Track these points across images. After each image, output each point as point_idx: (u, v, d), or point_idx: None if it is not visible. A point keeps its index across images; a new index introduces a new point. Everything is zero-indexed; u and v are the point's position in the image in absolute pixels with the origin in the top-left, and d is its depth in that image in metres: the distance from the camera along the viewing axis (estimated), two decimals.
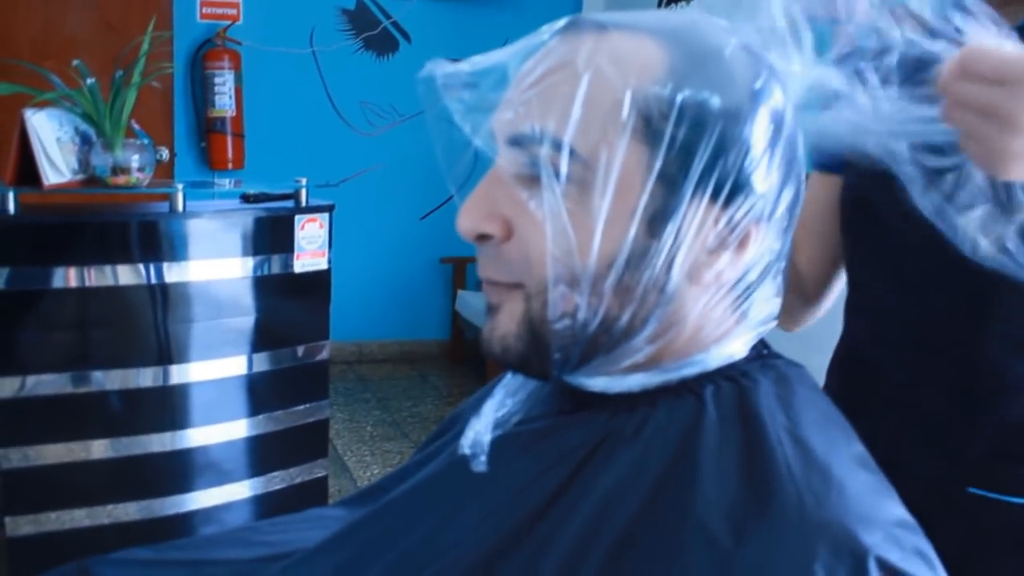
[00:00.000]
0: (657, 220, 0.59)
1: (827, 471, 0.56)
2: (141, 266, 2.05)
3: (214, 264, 2.15)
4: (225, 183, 2.64)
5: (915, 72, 0.62)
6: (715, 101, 0.58)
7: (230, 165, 4.06)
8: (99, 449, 2.07)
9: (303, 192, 2.31)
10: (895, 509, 0.57)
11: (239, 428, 2.26)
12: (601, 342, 0.62)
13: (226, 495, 2.26)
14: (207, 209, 2.20)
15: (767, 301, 0.66)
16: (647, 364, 0.64)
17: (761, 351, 0.67)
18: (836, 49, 0.66)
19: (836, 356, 1.04)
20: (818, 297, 1.05)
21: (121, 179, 2.05)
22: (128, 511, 2.12)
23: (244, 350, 2.24)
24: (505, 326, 0.63)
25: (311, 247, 2.29)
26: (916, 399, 0.91)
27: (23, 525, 2.02)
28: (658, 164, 0.58)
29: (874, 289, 0.96)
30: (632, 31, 0.60)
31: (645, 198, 0.58)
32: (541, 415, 0.70)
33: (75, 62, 1.99)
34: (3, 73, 2.31)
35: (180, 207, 2.10)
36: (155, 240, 2.07)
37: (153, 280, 2.07)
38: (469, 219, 0.62)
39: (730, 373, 0.63)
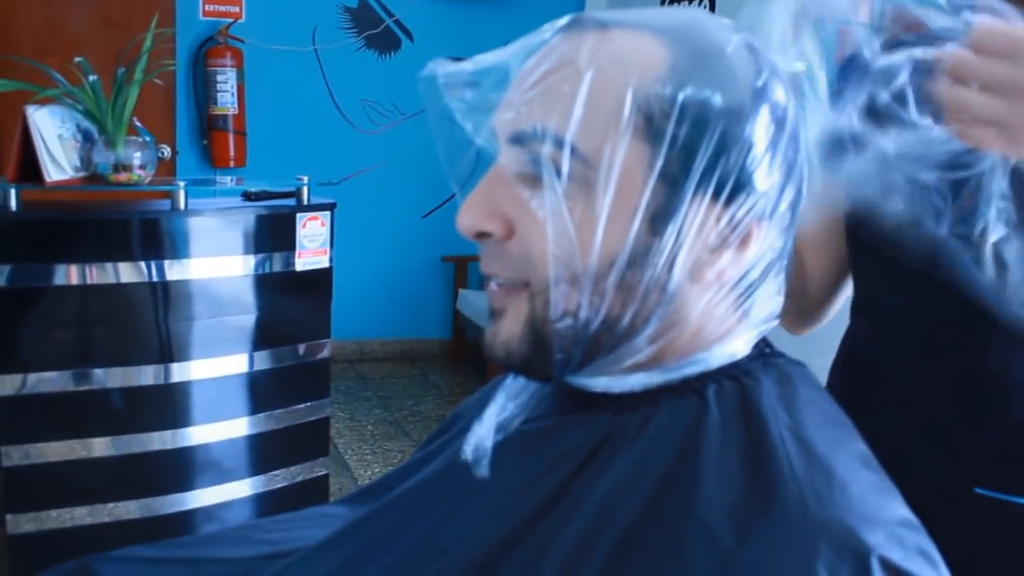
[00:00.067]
0: (659, 219, 0.59)
1: (830, 470, 0.56)
2: (143, 264, 2.05)
3: (215, 262, 2.15)
4: (227, 181, 2.64)
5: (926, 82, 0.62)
6: (717, 99, 0.58)
7: (232, 163, 4.06)
8: (100, 447, 2.08)
9: (305, 190, 2.31)
10: (898, 508, 0.57)
11: (240, 426, 2.27)
12: (603, 342, 0.62)
13: (227, 493, 2.26)
14: (209, 207, 2.20)
15: (769, 299, 0.66)
16: (649, 363, 0.63)
17: (763, 350, 0.67)
18: (840, 52, 0.67)
19: (839, 355, 1.04)
20: (827, 301, 1.05)
21: (123, 176, 2.05)
22: (129, 509, 2.13)
23: (245, 348, 2.24)
24: (509, 330, 0.63)
25: (312, 245, 2.29)
26: (920, 399, 0.91)
27: (24, 523, 2.02)
28: (660, 163, 0.58)
29: (879, 289, 0.95)
30: (634, 29, 0.60)
31: (647, 197, 0.58)
32: (543, 415, 0.70)
33: (77, 59, 1.99)
34: (5, 70, 2.31)
35: (182, 205, 2.10)
36: (157, 238, 2.07)
37: (154, 278, 2.07)
38: (469, 217, 0.62)
39: (732, 372, 0.63)
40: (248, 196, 2.29)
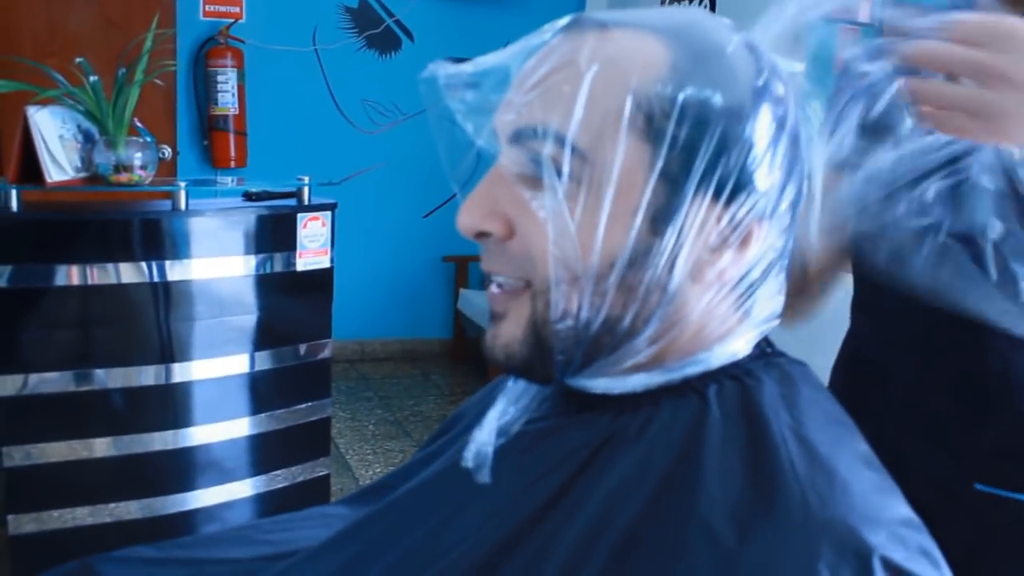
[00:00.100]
0: (659, 219, 0.59)
1: (831, 470, 0.56)
2: (143, 264, 2.05)
3: (216, 262, 2.15)
4: (227, 181, 2.64)
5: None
6: (717, 99, 0.58)
7: (232, 163, 4.06)
8: (101, 447, 2.08)
9: (305, 190, 2.31)
10: (900, 508, 0.57)
11: (241, 426, 2.27)
12: (604, 342, 0.61)
13: (228, 493, 2.26)
14: (209, 207, 2.20)
15: (770, 299, 0.66)
16: (649, 364, 0.63)
17: (765, 349, 0.67)
18: (841, 55, 0.68)
19: (841, 355, 1.04)
20: (823, 294, 1.05)
21: (124, 177, 2.05)
22: (130, 509, 2.13)
23: (246, 348, 2.24)
24: (509, 332, 0.63)
25: (313, 245, 2.29)
26: (922, 398, 0.91)
27: (26, 523, 2.02)
28: (660, 162, 0.58)
29: (879, 288, 0.95)
30: (634, 29, 0.60)
31: (647, 196, 0.58)
32: (543, 417, 0.70)
33: (78, 59, 1.99)
34: (6, 70, 2.31)
35: (183, 205, 2.10)
36: (157, 238, 2.07)
37: (155, 278, 2.07)
38: (469, 217, 0.62)
39: (734, 372, 0.63)
40: (249, 196, 2.29)
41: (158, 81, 2.21)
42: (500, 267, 0.63)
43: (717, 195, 0.59)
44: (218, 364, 2.20)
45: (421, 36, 4.45)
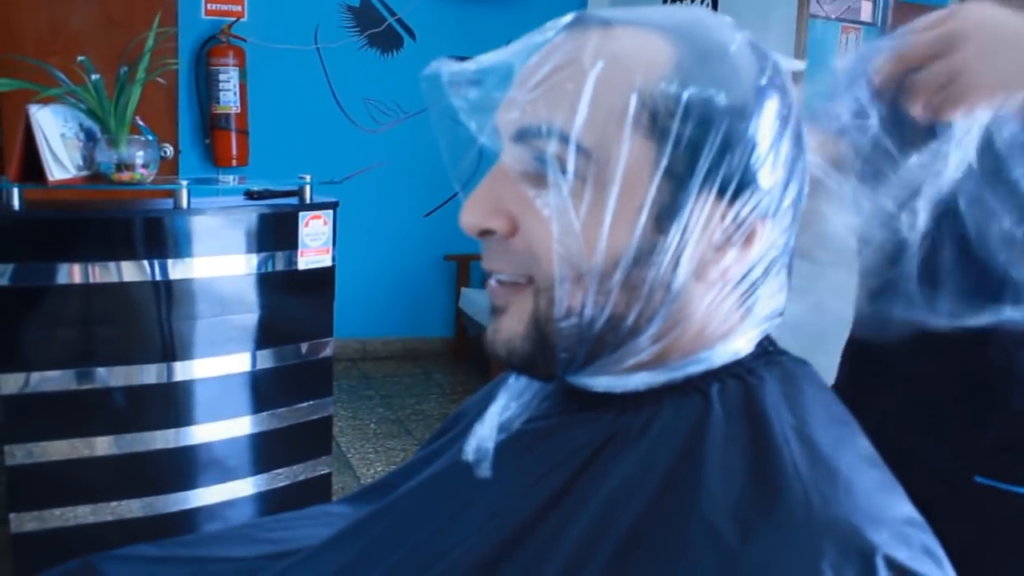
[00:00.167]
0: (664, 217, 0.58)
1: (834, 469, 0.56)
2: (145, 263, 2.05)
3: (218, 261, 2.15)
4: (229, 180, 2.64)
5: None
6: (721, 98, 0.58)
7: (234, 162, 4.06)
8: (103, 446, 2.08)
9: (307, 189, 2.31)
10: (903, 507, 0.57)
11: (243, 425, 2.27)
12: (607, 340, 0.61)
13: (230, 492, 2.26)
14: (211, 206, 2.20)
15: (772, 296, 0.66)
16: (652, 363, 0.63)
17: (767, 348, 0.67)
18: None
19: (846, 350, 1.05)
20: None
21: (125, 175, 2.05)
22: (132, 508, 2.13)
23: (248, 347, 2.24)
24: (511, 328, 0.63)
25: (315, 244, 2.29)
26: (925, 392, 0.92)
27: (27, 522, 2.02)
28: (665, 161, 0.58)
29: None
30: (638, 27, 0.60)
31: (652, 194, 0.58)
32: (545, 415, 0.70)
33: (80, 58, 1.99)
34: (8, 69, 2.31)
35: (184, 204, 2.10)
36: (159, 237, 2.07)
37: (157, 277, 2.07)
38: (473, 215, 0.62)
39: (736, 371, 0.63)
40: (251, 195, 2.29)
41: (160, 80, 2.21)
42: (502, 266, 0.63)
43: (721, 193, 0.59)
44: (220, 363, 2.20)
45: (423, 35, 4.44)
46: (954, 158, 0.74)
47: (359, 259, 4.32)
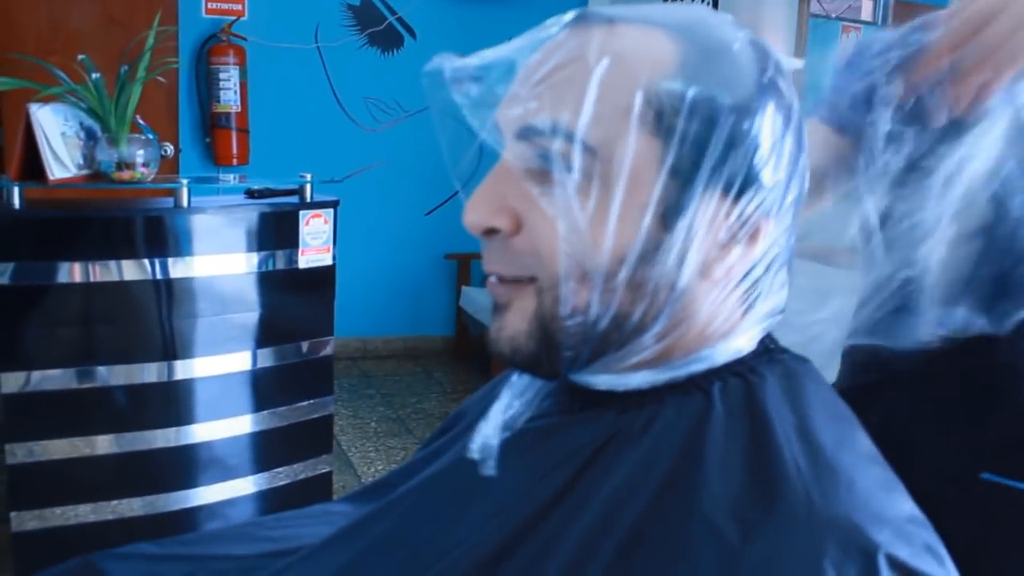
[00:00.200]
0: (669, 214, 0.58)
1: (835, 467, 0.56)
2: (146, 261, 2.05)
3: (219, 260, 2.15)
4: (230, 178, 2.63)
5: None
6: (725, 96, 0.58)
7: (235, 161, 4.06)
8: (104, 445, 2.08)
9: (308, 188, 2.31)
10: (904, 505, 0.57)
11: (243, 424, 2.27)
12: (612, 339, 0.61)
13: (230, 491, 2.26)
14: (212, 205, 2.20)
15: (773, 295, 0.66)
16: (654, 361, 0.63)
17: (768, 346, 0.67)
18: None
19: (848, 346, 1.05)
20: None
21: (126, 174, 2.04)
22: (133, 506, 2.13)
23: (248, 346, 2.24)
24: (515, 325, 0.63)
25: (316, 243, 2.29)
26: (930, 387, 0.91)
27: (28, 520, 2.03)
28: (670, 158, 0.58)
29: None
30: (641, 25, 0.60)
31: (657, 192, 0.58)
32: (547, 414, 0.69)
33: (80, 57, 1.99)
34: (8, 68, 2.31)
35: (185, 202, 2.10)
36: (160, 235, 2.07)
37: (158, 275, 2.07)
38: (477, 213, 0.61)
39: (737, 369, 0.63)
40: (251, 194, 2.29)
41: (160, 78, 2.21)
42: (503, 266, 0.63)
43: (726, 191, 0.59)
44: (220, 361, 2.20)
45: (423, 34, 4.44)
46: (984, 148, 0.74)
47: (360, 258, 4.33)
